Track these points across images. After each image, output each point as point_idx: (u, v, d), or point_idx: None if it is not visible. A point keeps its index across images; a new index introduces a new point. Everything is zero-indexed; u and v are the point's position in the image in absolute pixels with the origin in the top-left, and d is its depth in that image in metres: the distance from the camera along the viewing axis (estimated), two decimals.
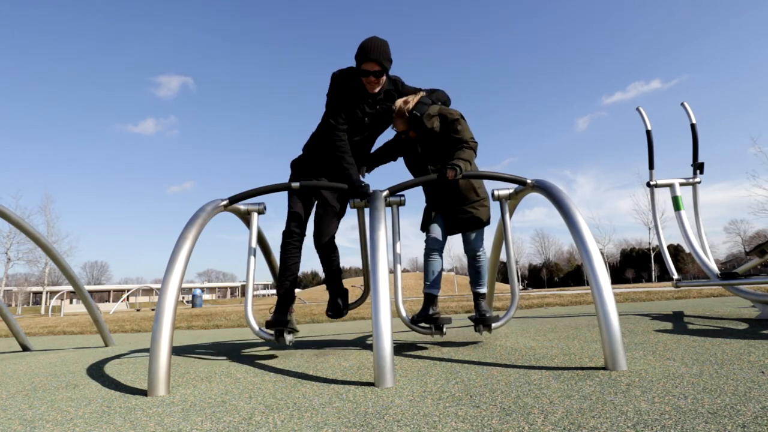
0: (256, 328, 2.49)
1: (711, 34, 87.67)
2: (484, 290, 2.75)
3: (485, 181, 2.75)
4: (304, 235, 2.70)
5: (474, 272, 2.74)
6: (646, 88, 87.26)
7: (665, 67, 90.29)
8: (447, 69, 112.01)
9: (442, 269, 2.71)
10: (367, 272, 2.93)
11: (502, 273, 49.08)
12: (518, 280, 2.68)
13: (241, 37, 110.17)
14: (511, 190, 2.61)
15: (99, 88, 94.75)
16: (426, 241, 2.73)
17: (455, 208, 2.65)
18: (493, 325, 2.55)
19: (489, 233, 2.77)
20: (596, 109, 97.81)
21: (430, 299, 2.61)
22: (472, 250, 2.70)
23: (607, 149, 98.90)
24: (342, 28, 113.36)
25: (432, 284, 2.64)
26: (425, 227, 2.77)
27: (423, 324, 2.60)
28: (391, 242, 2.91)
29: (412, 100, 2.58)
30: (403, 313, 2.62)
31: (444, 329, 2.60)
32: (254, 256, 2.61)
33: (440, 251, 2.69)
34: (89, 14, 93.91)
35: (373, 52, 2.42)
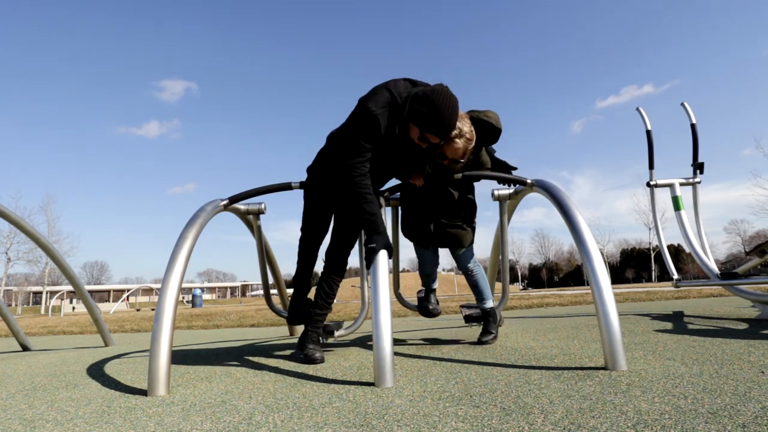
0: (278, 308, 3.03)
1: (704, 38, 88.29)
2: (490, 304, 2.68)
3: (485, 181, 2.75)
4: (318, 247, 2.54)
5: (472, 287, 2.69)
6: (639, 92, 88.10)
7: (658, 71, 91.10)
8: (443, 69, 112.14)
9: (436, 276, 2.86)
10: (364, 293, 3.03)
11: None
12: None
13: (243, 42, 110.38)
14: (511, 190, 2.61)
15: (103, 90, 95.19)
16: (420, 264, 2.75)
17: (441, 221, 2.58)
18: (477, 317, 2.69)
19: (489, 234, 2.77)
20: (590, 112, 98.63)
21: (431, 291, 2.86)
22: (463, 267, 2.66)
23: (603, 151, 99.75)
24: (343, 28, 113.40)
25: (431, 283, 2.84)
26: (410, 235, 2.69)
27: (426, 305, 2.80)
28: (391, 242, 2.93)
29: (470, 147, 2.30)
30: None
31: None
32: (266, 253, 2.80)
33: (433, 271, 2.78)
34: (93, 17, 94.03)
35: (447, 130, 2.04)
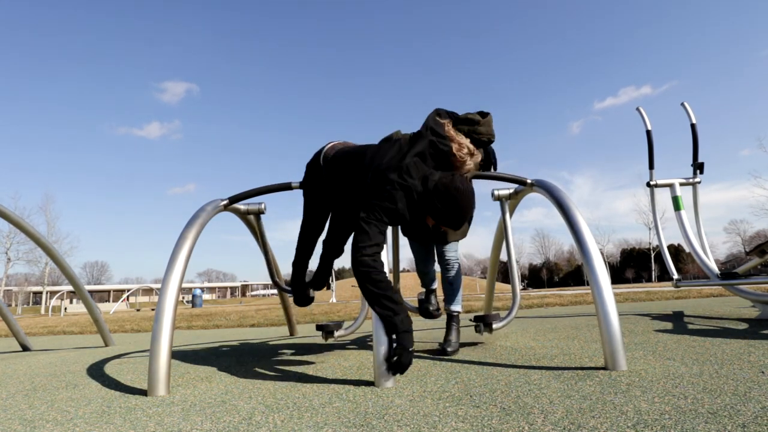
0: (284, 286, 2.94)
1: (703, 39, 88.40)
2: (458, 308, 2.58)
3: (485, 181, 2.75)
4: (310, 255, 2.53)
5: (448, 284, 2.60)
6: (637, 93, 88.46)
7: (656, 72, 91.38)
8: (442, 69, 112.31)
9: (434, 275, 2.83)
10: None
11: (503, 273, 49.01)
12: (519, 281, 2.65)
13: (243, 43, 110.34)
14: (511, 190, 2.61)
15: (104, 90, 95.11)
16: (416, 262, 2.74)
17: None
18: (494, 325, 2.54)
19: (489, 233, 2.76)
20: (589, 113, 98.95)
21: (431, 292, 2.86)
22: (446, 260, 2.58)
23: (603, 151, 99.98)
24: (344, 28, 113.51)
25: (430, 283, 2.84)
26: (409, 233, 2.70)
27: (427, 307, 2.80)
28: (391, 242, 2.93)
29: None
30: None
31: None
32: (267, 251, 2.88)
33: (430, 270, 2.76)
34: (94, 17, 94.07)
35: (463, 223, 2.03)
